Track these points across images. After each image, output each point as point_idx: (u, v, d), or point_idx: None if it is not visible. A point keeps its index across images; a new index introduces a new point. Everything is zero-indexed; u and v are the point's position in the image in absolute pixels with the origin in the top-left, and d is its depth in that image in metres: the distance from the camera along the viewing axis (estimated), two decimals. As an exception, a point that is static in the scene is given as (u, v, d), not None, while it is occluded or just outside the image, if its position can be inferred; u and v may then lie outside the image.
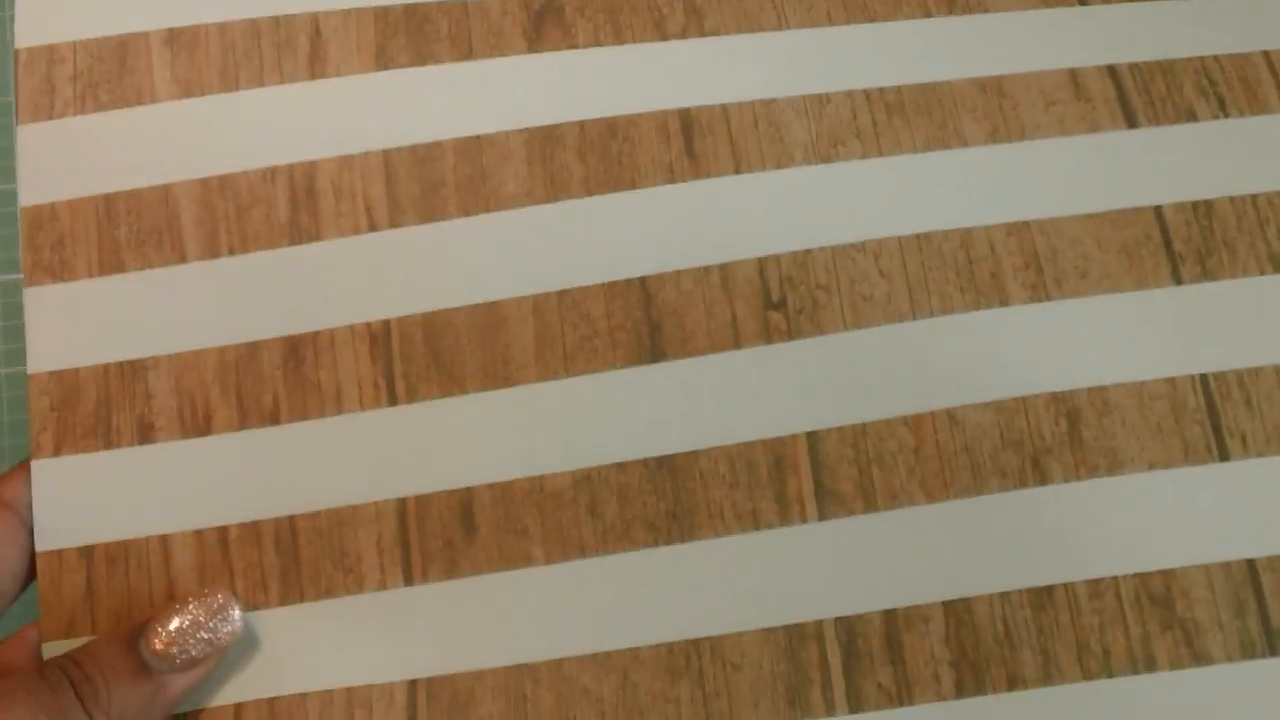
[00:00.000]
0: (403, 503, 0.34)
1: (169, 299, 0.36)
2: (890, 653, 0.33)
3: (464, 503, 0.34)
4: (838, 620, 0.33)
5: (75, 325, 0.35)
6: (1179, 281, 0.34)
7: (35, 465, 0.35)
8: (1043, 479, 0.33)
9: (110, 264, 0.36)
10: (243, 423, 0.35)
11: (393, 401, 0.34)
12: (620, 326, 0.34)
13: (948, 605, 0.33)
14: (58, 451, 0.35)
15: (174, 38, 0.37)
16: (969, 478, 0.33)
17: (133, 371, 0.35)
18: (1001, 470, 0.33)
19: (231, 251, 0.36)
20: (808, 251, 0.35)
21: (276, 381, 0.35)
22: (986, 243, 0.35)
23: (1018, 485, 0.33)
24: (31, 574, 0.35)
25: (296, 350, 0.35)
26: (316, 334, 0.35)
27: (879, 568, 0.33)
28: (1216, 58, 0.37)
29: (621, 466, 0.34)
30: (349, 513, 0.34)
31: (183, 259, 0.36)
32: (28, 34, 0.37)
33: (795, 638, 0.33)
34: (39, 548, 0.34)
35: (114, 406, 0.35)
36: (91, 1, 0.38)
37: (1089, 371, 0.34)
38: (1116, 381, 0.34)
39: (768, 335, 0.34)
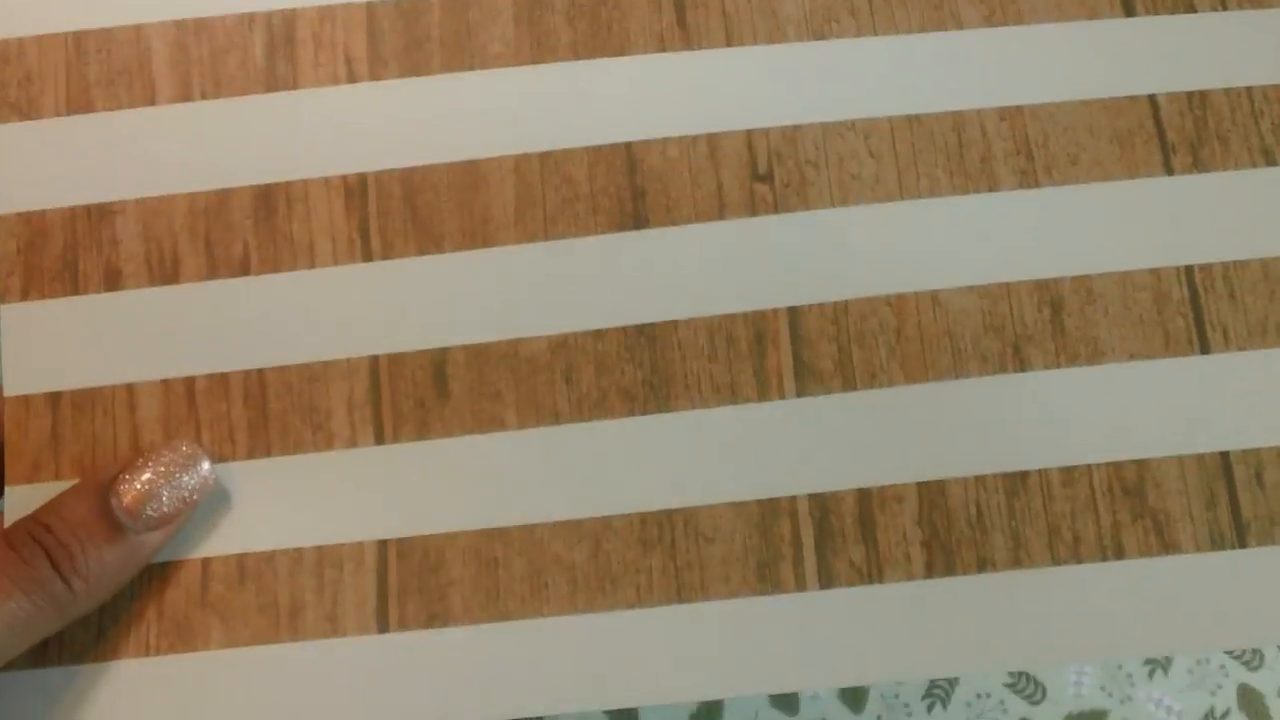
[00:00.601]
0: (375, 360, 0.36)
1: (138, 141, 0.38)
2: (863, 531, 0.35)
3: (437, 363, 0.36)
4: (812, 497, 0.35)
5: (42, 165, 0.37)
6: (1170, 172, 0.37)
7: (4, 309, 0.37)
8: (1022, 365, 0.36)
9: (78, 103, 0.38)
10: (211, 272, 0.37)
11: (367, 257, 0.37)
12: (603, 191, 0.37)
13: (922, 486, 0.35)
14: (25, 296, 0.37)
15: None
16: (949, 361, 0.36)
17: (100, 215, 0.37)
18: (982, 355, 0.36)
19: (204, 96, 0.38)
20: (797, 127, 0.37)
21: (247, 231, 0.37)
22: (978, 126, 0.37)
23: (997, 370, 0.36)
24: None
25: (268, 200, 0.37)
26: (290, 184, 0.37)
27: (855, 446, 0.36)
28: None
29: (599, 334, 0.36)
30: (319, 368, 0.36)
31: (153, 101, 0.38)
32: None
33: (769, 513, 0.35)
34: (7, 392, 0.36)
35: (81, 251, 0.37)
36: None
37: (1074, 260, 0.36)
38: (1101, 271, 0.36)
39: (753, 207, 0.36)
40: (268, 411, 0.36)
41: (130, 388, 0.36)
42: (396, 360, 0.36)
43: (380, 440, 0.36)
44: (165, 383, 0.36)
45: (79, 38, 0.38)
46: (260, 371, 0.37)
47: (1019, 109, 0.37)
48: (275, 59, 0.38)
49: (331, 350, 0.37)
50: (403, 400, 0.36)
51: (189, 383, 0.36)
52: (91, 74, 0.38)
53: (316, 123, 0.37)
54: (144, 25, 0.38)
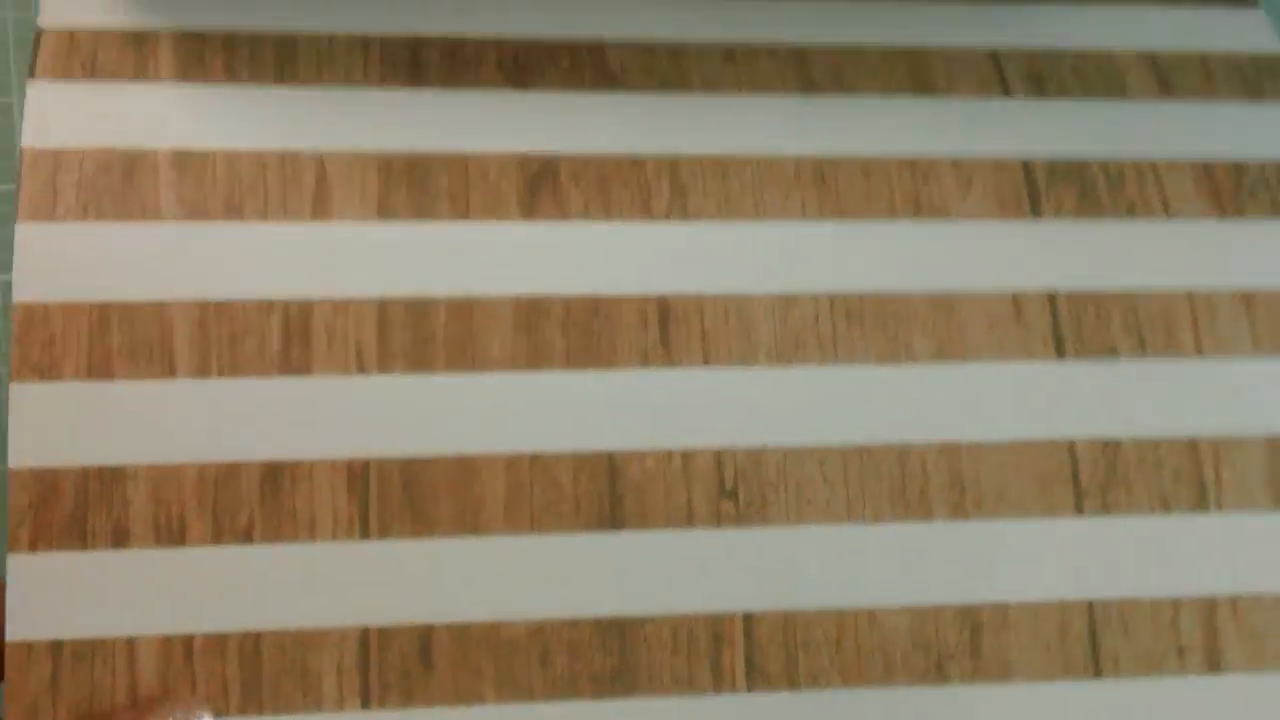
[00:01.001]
0: (365, 631, 0.43)
1: (154, 411, 0.44)
2: (795, 817, 0.43)
3: (424, 638, 0.43)
4: (753, 784, 0.43)
5: (58, 426, 0.44)
6: (1080, 512, 0.45)
7: (11, 559, 0.42)
8: (943, 680, 0.44)
9: (99, 370, 0.44)
10: (217, 538, 0.43)
11: (365, 535, 0.43)
12: (586, 495, 0.44)
13: (851, 781, 0.43)
14: (33, 548, 0.43)
15: (181, 160, 0.46)
16: (881, 671, 0.44)
17: (112, 477, 0.43)
18: (909, 668, 0.44)
19: (221, 374, 0.44)
20: (762, 450, 0.45)
21: (253, 503, 0.43)
22: (919, 461, 0.45)
23: (921, 683, 0.44)
24: None
25: (276, 476, 0.43)
26: (297, 463, 0.43)
27: (794, 740, 0.43)
28: (1145, 294, 0.48)
29: (574, 623, 0.43)
30: (314, 635, 0.42)
31: (172, 375, 0.44)
32: (34, 135, 0.45)
33: (714, 795, 0.43)
34: (9, 637, 0.41)
35: (91, 509, 0.43)
36: (101, 111, 0.45)
37: (995, 589, 0.45)
38: (1017, 600, 0.45)
39: (718, 520, 0.44)
40: (261, 672, 0.42)
41: (131, 641, 0.42)
42: (386, 633, 0.43)
43: (366, 706, 0.42)
44: (165, 639, 0.42)
45: (104, 309, 0.44)
46: (257, 634, 0.43)
47: (957, 447, 0.46)
48: (291, 345, 0.44)
49: (325, 619, 0.43)
50: (389, 670, 0.43)
51: (188, 640, 0.42)
52: (114, 343, 0.44)
53: (326, 408, 0.44)
54: (168, 303, 0.44)
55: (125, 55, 0.49)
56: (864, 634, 0.46)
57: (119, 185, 0.46)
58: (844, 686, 0.45)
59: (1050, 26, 0.54)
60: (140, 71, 0.48)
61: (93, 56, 0.48)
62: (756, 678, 0.46)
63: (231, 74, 0.49)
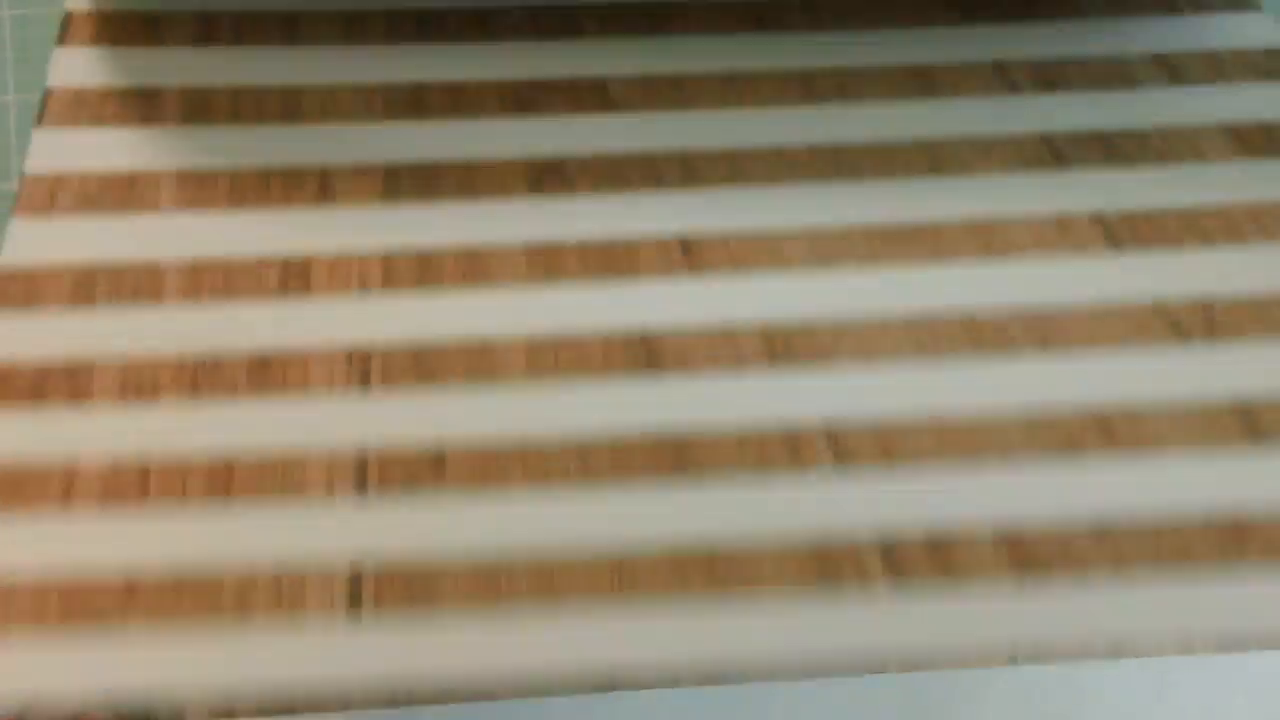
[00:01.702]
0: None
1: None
2: None
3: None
4: None
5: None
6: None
7: None
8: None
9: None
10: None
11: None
12: (618, 352, 0.42)
13: None
14: None
15: (184, 179, 0.46)
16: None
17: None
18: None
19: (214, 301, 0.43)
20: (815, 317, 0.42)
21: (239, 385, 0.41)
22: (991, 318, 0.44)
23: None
24: None
25: (264, 364, 0.41)
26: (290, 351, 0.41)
27: None
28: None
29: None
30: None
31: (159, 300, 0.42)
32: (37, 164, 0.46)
33: None
34: None
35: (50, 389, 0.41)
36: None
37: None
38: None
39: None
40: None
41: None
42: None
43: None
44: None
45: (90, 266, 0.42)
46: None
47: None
48: (290, 280, 0.43)
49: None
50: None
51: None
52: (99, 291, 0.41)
53: (326, 319, 0.41)
54: (160, 260, 0.43)
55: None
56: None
57: (121, 196, 0.45)
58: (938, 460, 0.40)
59: (1057, 40, 0.55)
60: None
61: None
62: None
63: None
